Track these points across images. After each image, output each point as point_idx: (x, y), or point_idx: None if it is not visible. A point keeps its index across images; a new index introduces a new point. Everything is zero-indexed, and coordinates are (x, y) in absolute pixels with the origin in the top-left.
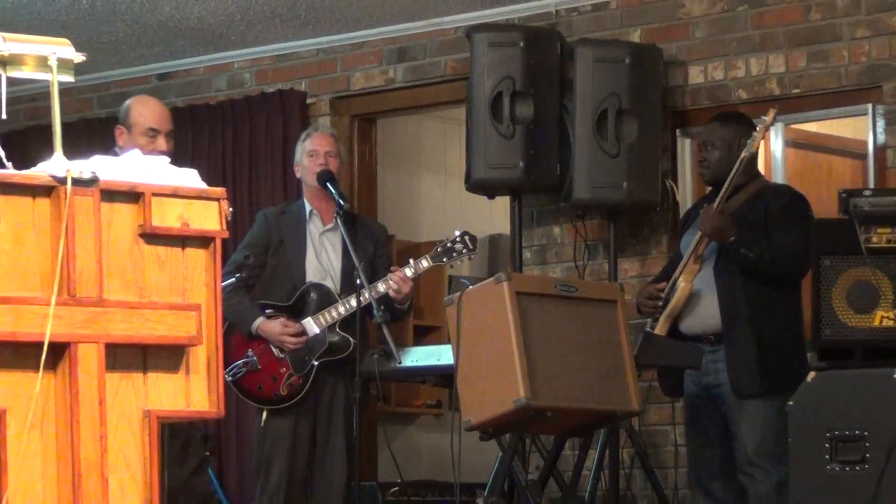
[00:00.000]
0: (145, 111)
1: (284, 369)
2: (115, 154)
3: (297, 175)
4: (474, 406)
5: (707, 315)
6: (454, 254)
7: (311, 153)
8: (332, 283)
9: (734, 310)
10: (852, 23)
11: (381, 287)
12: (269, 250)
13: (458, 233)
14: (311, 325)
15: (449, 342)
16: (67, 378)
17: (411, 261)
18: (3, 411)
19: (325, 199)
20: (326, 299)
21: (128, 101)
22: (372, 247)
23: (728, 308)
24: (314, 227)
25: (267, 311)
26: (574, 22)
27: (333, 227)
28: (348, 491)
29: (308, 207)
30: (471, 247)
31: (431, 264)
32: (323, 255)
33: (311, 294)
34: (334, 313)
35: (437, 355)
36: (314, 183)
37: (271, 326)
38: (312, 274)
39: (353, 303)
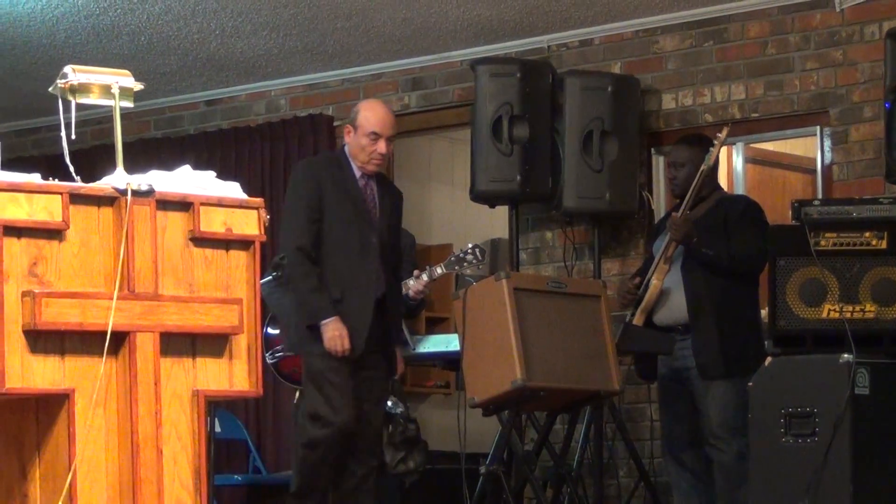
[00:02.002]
0: (371, 116)
1: None
2: (343, 150)
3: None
4: (478, 386)
5: (676, 308)
6: (465, 263)
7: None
8: None
9: (699, 303)
10: (803, 56)
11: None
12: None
13: (470, 245)
14: None
15: (456, 331)
16: (127, 362)
17: (428, 268)
18: (73, 391)
19: None
20: None
21: (359, 104)
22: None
23: (694, 302)
24: None
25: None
26: (564, 56)
27: None
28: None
29: None
30: (480, 258)
31: (445, 272)
32: None
33: None
34: None
35: (445, 343)
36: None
37: (332, 330)
38: None
39: None
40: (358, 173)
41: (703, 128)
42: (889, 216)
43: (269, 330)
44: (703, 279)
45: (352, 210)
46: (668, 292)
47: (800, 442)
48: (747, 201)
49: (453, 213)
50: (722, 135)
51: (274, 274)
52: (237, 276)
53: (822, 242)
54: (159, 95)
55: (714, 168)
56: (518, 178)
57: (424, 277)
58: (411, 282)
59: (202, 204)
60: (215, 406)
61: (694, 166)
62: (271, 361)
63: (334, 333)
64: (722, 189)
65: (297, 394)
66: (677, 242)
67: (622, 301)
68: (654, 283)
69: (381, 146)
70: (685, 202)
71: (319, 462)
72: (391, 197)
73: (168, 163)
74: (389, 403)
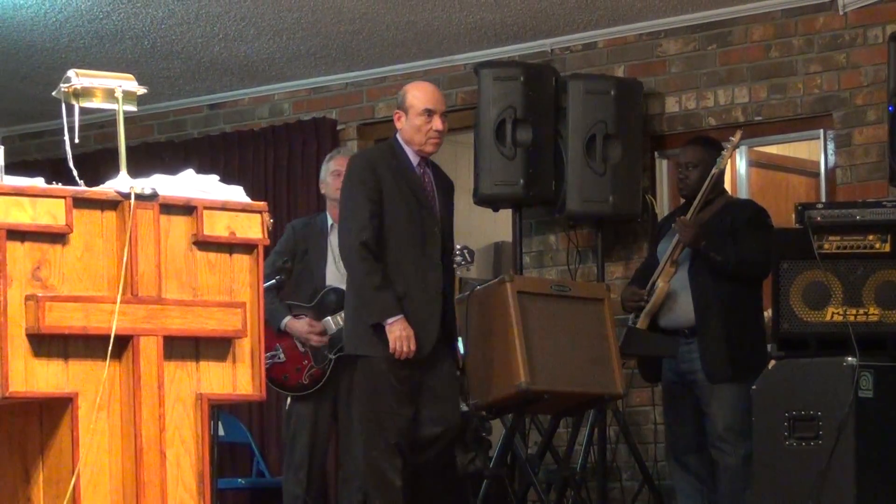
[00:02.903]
0: (420, 94)
1: (306, 361)
2: (396, 139)
3: (322, 191)
4: (481, 389)
5: (682, 311)
6: (454, 265)
7: (335, 173)
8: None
9: (706, 307)
10: (806, 60)
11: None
12: (295, 257)
13: (458, 247)
14: (330, 324)
15: (460, 335)
16: (131, 366)
17: None
18: (76, 394)
19: None
20: (343, 301)
21: (404, 88)
22: None
23: (701, 305)
24: (334, 238)
25: (294, 311)
26: (567, 59)
27: None
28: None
29: (330, 221)
30: (469, 259)
31: None
32: (340, 263)
33: (331, 296)
34: None
35: None
36: (333, 196)
37: (298, 325)
38: (331, 279)
39: None
40: (415, 161)
41: (706, 131)
42: (892, 219)
43: None
44: (710, 283)
45: (413, 201)
46: (675, 295)
47: (804, 445)
48: (756, 206)
49: (457, 216)
50: (735, 139)
51: (278, 278)
52: (241, 279)
53: (826, 246)
54: (163, 99)
55: (722, 172)
56: (521, 181)
57: None
58: None
59: (205, 208)
60: (219, 409)
61: (705, 168)
62: None
63: (401, 334)
64: (727, 193)
65: (288, 399)
66: (685, 245)
67: (627, 305)
68: (661, 285)
69: (437, 122)
70: (694, 205)
71: (388, 469)
72: (445, 184)
73: (171, 167)
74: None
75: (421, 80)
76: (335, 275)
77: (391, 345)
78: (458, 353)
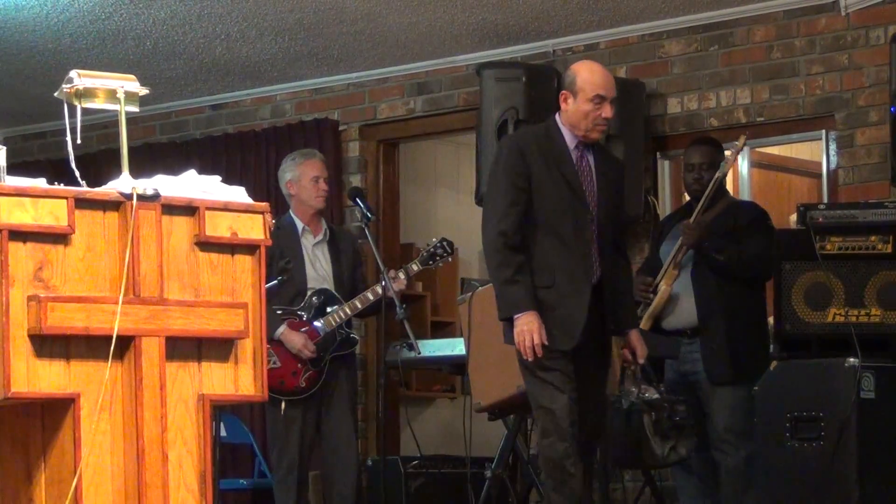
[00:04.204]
0: (594, 78)
1: (301, 364)
2: (554, 120)
3: (292, 192)
4: (483, 391)
5: (684, 313)
6: (437, 258)
7: (314, 178)
8: (328, 287)
9: (708, 308)
10: (808, 60)
11: (379, 290)
12: (274, 261)
13: (435, 240)
14: (321, 326)
15: (461, 336)
16: (133, 367)
17: (403, 267)
18: (78, 395)
19: (314, 215)
20: (330, 301)
21: (573, 67)
22: (351, 252)
23: (703, 307)
24: (307, 241)
25: (284, 315)
26: (569, 60)
27: (322, 240)
28: (359, 467)
29: (300, 224)
30: (449, 251)
31: (421, 268)
32: (317, 264)
33: (314, 298)
34: (342, 313)
35: (451, 347)
36: (313, 203)
37: (294, 339)
38: (312, 281)
39: (358, 304)
40: (572, 144)
41: (708, 132)
42: (894, 220)
43: None
44: (712, 284)
45: (566, 188)
46: (677, 297)
47: (805, 446)
48: (758, 209)
49: (458, 217)
50: (739, 143)
51: (280, 279)
52: (243, 280)
53: (828, 246)
54: (165, 100)
55: (725, 175)
56: None
57: (402, 276)
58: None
59: (208, 208)
60: (221, 410)
61: (717, 169)
62: None
63: (523, 328)
64: (730, 195)
65: (283, 404)
66: (689, 247)
67: (637, 293)
68: (663, 287)
69: (607, 110)
70: (699, 207)
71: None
72: (611, 167)
73: (173, 167)
74: (643, 393)
75: (592, 62)
76: (314, 277)
77: (515, 338)
78: (609, 351)
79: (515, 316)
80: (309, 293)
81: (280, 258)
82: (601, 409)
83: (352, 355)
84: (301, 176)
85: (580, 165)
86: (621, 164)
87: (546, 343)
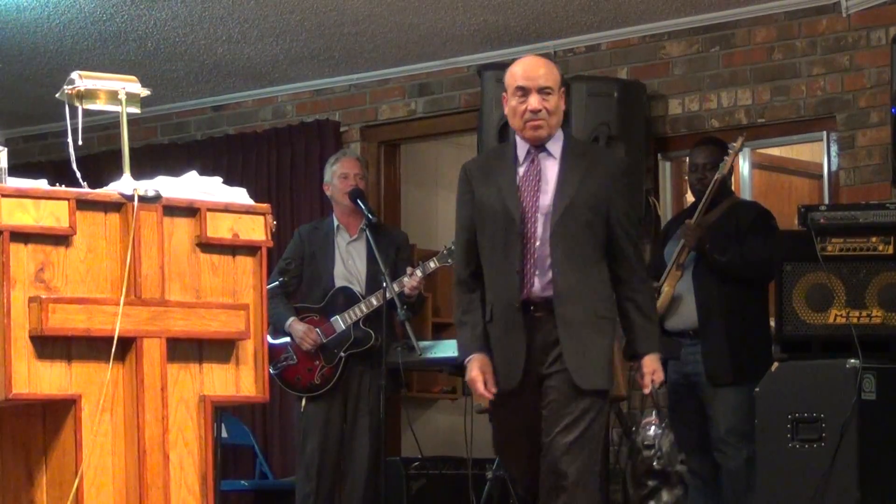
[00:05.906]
0: (514, 69)
1: (318, 361)
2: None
3: (328, 193)
4: None
5: (687, 314)
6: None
7: (342, 175)
8: (359, 286)
9: (709, 309)
10: (809, 62)
11: (396, 287)
12: (304, 262)
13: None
14: (339, 323)
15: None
16: (134, 368)
17: (420, 263)
18: (79, 397)
19: (351, 215)
20: (352, 300)
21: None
22: (394, 252)
23: (704, 308)
24: (341, 239)
25: (301, 313)
26: (570, 61)
27: (358, 238)
28: (373, 465)
29: (336, 223)
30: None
31: (438, 265)
32: (350, 262)
33: (339, 296)
34: (357, 311)
35: (452, 348)
36: (344, 201)
37: (297, 328)
38: (340, 279)
39: (374, 301)
40: (523, 152)
41: (709, 133)
42: (895, 221)
43: (271, 340)
44: (713, 285)
45: (498, 204)
46: (680, 298)
47: (806, 447)
48: (760, 209)
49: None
50: (737, 145)
51: (280, 280)
52: (244, 281)
53: (829, 248)
54: (166, 101)
55: (727, 175)
56: None
57: (418, 273)
58: (406, 279)
59: (209, 210)
60: (222, 411)
61: (719, 169)
62: (274, 372)
63: (469, 376)
64: (734, 195)
65: (303, 401)
66: (690, 248)
67: None
68: (666, 289)
69: (533, 102)
70: (700, 208)
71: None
72: (593, 161)
73: (175, 168)
74: (643, 427)
75: (527, 55)
76: (343, 275)
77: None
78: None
79: (465, 362)
80: (332, 292)
81: (310, 259)
82: (557, 457)
83: (374, 353)
84: (332, 176)
85: (527, 172)
86: (618, 161)
87: (494, 389)
